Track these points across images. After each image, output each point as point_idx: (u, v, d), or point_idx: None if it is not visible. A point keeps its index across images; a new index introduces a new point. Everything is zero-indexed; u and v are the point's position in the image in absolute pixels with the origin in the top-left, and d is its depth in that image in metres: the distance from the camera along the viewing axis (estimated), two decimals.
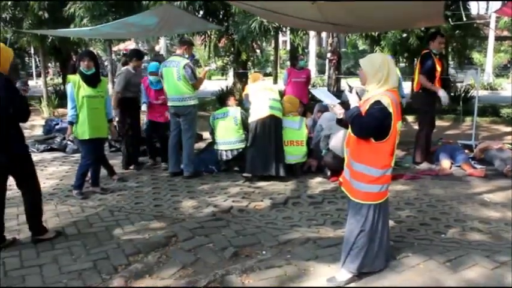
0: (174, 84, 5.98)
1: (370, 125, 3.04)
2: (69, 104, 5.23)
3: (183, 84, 5.96)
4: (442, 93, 6.34)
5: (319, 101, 7.16)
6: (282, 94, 6.86)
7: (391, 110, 3.00)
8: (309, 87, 9.08)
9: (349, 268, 3.22)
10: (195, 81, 6.00)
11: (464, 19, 9.02)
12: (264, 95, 6.03)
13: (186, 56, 6.10)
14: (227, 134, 6.24)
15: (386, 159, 3.11)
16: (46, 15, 11.38)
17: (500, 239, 4.00)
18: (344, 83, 13.90)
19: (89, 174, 5.54)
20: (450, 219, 4.50)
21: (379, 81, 3.08)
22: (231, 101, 6.63)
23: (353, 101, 3.23)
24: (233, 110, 6.35)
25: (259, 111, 5.96)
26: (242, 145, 6.20)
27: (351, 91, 3.32)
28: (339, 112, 3.28)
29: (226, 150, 6.24)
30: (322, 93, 3.64)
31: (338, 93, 11.95)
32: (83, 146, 5.37)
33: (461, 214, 4.66)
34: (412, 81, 6.82)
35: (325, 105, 4.20)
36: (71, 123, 5.26)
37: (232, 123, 6.24)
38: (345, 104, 3.33)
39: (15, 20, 12.13)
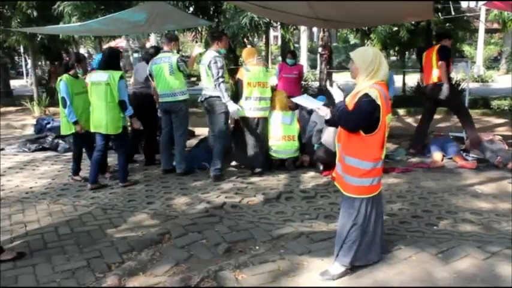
0: (166, 79, 5.97)
1: (358, 118, 3.05)
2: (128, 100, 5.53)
3: (175, 78, 5.96)
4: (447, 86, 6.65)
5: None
6: (273, 89, 6.82)
7: (379, 102, 3.00)
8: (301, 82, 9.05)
9: (342, 262, 3.24)
10: (188, 68, 6.05)
11: (453, 13, 9.06)
12: (256, 93, 5.96)
13: (175, 51, 6.16)
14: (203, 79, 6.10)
15: (376, 152, 3.13)
16: (35, 13, 11.28)
17: (491, 230, 4.03)
18: (335, 78, 13.94)
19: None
20: (442, 211, 4.53)
21: (368, 74, 3.09)
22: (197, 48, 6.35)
23: (337, 95, 3.25)
24: (205, 58, 5.93)
25: (251, 110, 5.97)
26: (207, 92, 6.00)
27: (331, 85, 3.36)
28: (325, 113, 3.30)
29: (201, 95, 6.09)
30: (303, 100, 3.68)
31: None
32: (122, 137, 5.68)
33: (453, 206, 4.70)
34: (422, 72, 7.01)
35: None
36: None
37: (205, 68, 5.91)
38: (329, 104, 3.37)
39: (3, 19, 12.03)
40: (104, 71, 5.43)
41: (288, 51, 9.24)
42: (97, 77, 5.45)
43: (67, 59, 5.82)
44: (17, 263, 3.60)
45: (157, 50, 6.84)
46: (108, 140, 5.73)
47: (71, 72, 5.66)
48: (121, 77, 5.41)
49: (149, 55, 6.77)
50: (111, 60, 5.54)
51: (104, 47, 13.01)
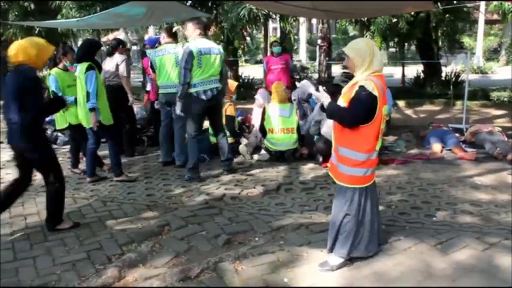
0: (169, 71, 5.89)
1: (358, 112, 3.03)
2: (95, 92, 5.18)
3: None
4: None
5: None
6: (265, 83, 6.74)
7: (376, 93, 2.99)
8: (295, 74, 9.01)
9: (339, 253, 3.24)
10: None
11: (454, 2, 9.03)
12: None
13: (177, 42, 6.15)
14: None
15: (370, 143, 3.11)
16: (32, 6, 11.23)
17: (490, 221, 4.04)
18: (334, 69, 13.86)
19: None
20: (441, 203, 4.54)
21: (364, 66, 3.07)
22: None
23: (324, 97, 3.24)
24: (213, 47, 5.70)
25: None
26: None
27: (317, 90, 3.32)
28: (325, 96, 3.27)
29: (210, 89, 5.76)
30: (305, 85, 3.65)
31: (329, 79, 11.97)
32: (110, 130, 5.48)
33: (452, 197, 4.70)
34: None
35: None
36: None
37: (219, 58, 5.73)
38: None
39: (0, 12, 11.98)
40: (80, 64, 5.29)
41: (271, 43, 9.20)
42: (77, 71, 5.35)
43: (55, 52, 5.74)
44: (17, 255, 3.61)
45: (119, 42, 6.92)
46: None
47: (60, 66, 5.63)
48: (88, 68, 5.15)
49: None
50: (82, 51, 5.37)
51: (103, 39, 12.92)
